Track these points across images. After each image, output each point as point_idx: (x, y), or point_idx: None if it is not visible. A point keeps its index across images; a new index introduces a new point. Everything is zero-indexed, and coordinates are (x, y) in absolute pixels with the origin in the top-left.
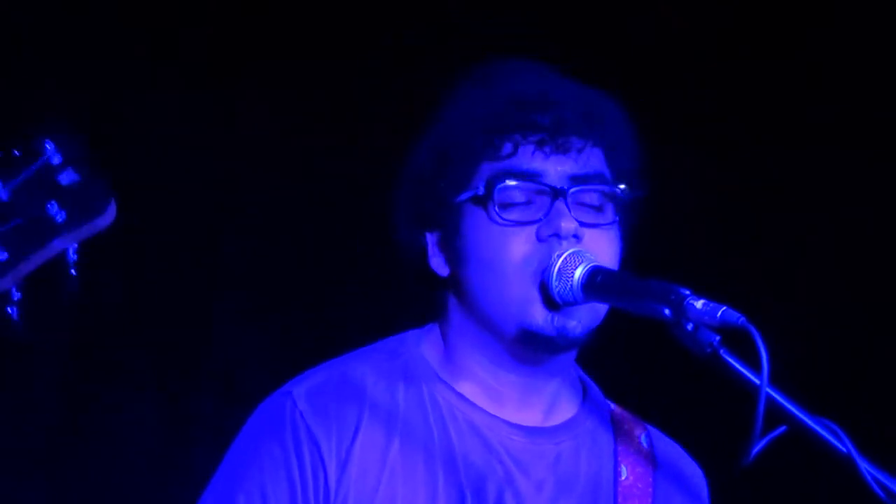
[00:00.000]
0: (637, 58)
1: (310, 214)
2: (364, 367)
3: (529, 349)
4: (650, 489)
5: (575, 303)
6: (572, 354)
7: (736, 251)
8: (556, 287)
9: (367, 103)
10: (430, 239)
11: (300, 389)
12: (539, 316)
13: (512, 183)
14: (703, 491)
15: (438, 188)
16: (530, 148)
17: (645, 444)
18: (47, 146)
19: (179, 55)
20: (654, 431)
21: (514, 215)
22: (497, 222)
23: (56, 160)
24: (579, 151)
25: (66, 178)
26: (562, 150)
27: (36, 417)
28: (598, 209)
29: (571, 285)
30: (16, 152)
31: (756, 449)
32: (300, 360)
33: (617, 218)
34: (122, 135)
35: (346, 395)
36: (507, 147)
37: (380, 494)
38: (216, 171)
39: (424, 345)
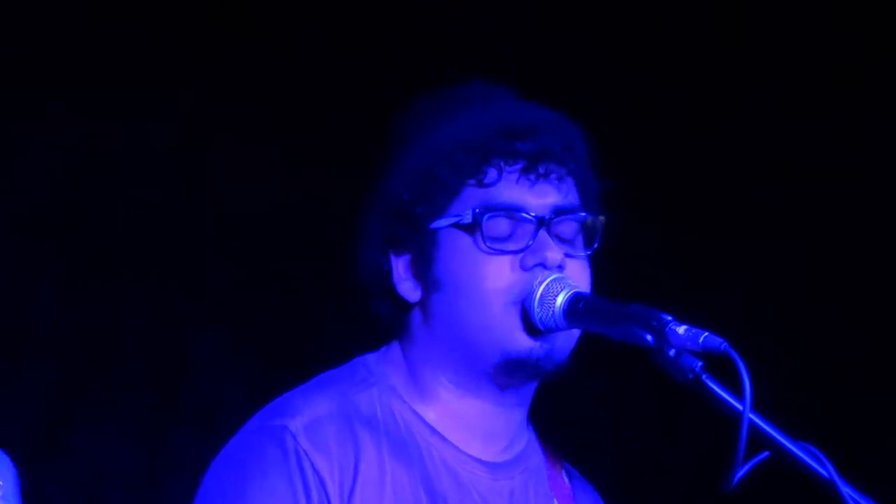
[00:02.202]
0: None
1: (291, 245)
2: (343, 401)
3: (512, 376)
4: None
5: (557, 329)
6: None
7: (710, 278)
8: (539, 314)
9: (352, 134)
10: (397, 262)
11: (296, 424)
12: (523, 343)
13: (500, 214)
14: None
15: (413, 212)
16: (514, 175)
17: (567, 481)
18: None
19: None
20: (571, 469)
21: (499, 244)
22: (483, 251)
23: None
24: (559, 180)
25: None
26: (543, 178)
27: (12, 451)
28: (571, 241)
29: (553, 312)
30: None
31: (739, 475)
32: (280, 392)
33: (592, 248)
34: (104, 169)
35: (340, 432)
36: (492, 174)
37: None
38: (196, 202)
39: (387, 370)
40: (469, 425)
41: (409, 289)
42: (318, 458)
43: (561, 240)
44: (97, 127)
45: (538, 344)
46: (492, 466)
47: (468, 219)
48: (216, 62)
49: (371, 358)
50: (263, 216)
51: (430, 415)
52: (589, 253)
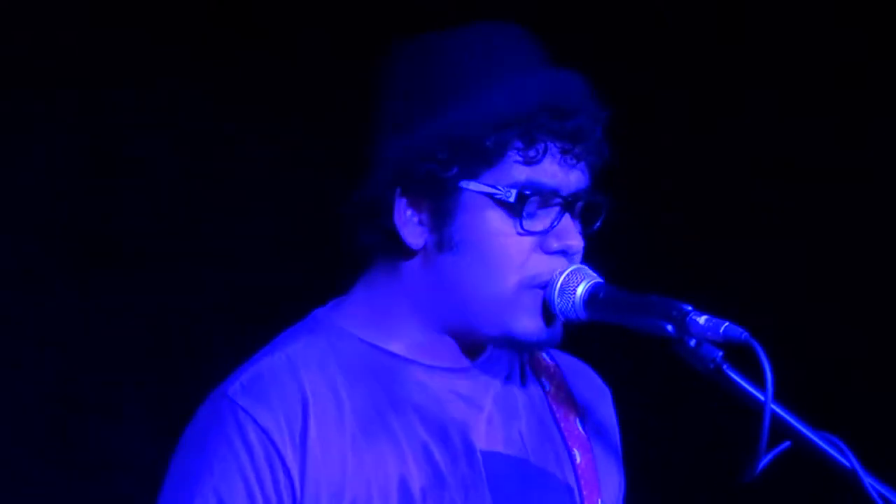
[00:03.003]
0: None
1: (293, 245)
2: (289, 351)
3: (502, 348)
4: (571, 398)
5: (577, 319)
6: None
7: (710, 278)
8: (559, 303)
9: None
10: (405, 202)
11: (234, 387)
12: (533, 326)
13: (540, 196)
14: (609, 398)
15: (447, 168)
16: (557, 156)
17: (550, 361)
18: None
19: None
20: (555, 358)
21: (529, 224)
22: (517, 230)
23: None
24: (585, 163)
25: None
26: (576, 159)
27: (23, 451)
28: (580, 219)
29: (573, 302)
30: None
31: (761, 464)
32: None
33: (593, 229)
34: (112, 171)
35: (282, 381)
36: (538, 150)
37: (349, 467)
38: (198, 200)
39: (341, 317)
40: (438, 351)
41: (413, 233)
42: (259, 410)
43: (573, 218)
44: (99, 126)
45: (546, 330)
46: (467, 370)
47: (511, 197)
48: (216, 62)
49: (321, 310)
50: (265, 215)
51: (394, 346)
52: (589, 233)
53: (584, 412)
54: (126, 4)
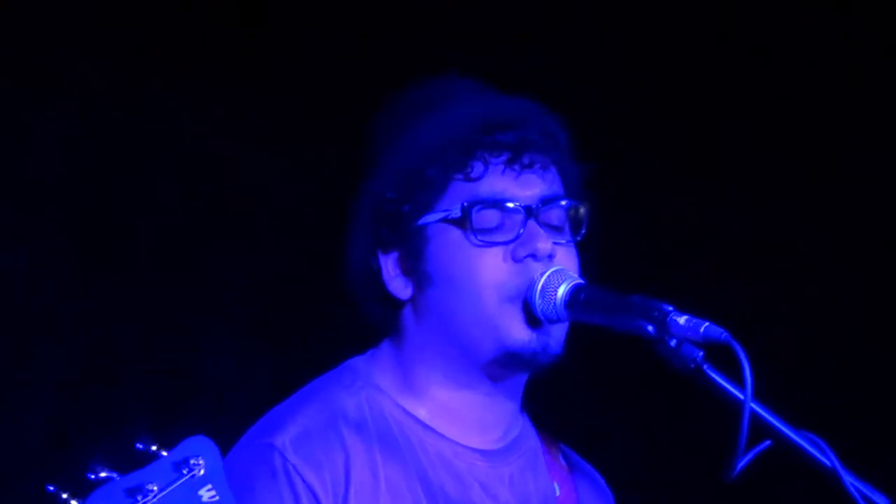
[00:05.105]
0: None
1: (295, 244)
2: (331, 408)
3: (506, 368)
4: (578, 501)
5: (558, 320)
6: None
7: (710, 278)
8: (540, 305)
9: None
10: (386, 260)
11: (283, 440)
12: (522, 334)
13: (488, 206)
14: (611, 500)
15: (400, 210)
16: (500, 168)
17: (563, 462)
18: (197, 461)
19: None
20: (566, 449)
21: (488, 236)
22: (473, 244)
23: (201, 474)
24: (544, 169)
25: (207, 493)
26: (528, 168)
27: (24, 451)
28: (559, 228)
29: (555, 303)
30: (167, 456)
31: (741, 464)
32: (294, 388)
33: (579, 234)
34: (120, 162)
35: (329, 440)
36: (478, 167)
37: None
38: (203, 200)
39: (376, 372)
40: (463, 418)
41: (399, 286)
42: (308, 471)
43: (550, 227)
44: (102, 126)
45: (535, 336)
46: (489, 454)
47: (457, 213)
48: (216, 62)
49: (358, 361)
50: (267, 214)
51: (422, 412)
52: (577, 239)
53: None
54: (126, 4)
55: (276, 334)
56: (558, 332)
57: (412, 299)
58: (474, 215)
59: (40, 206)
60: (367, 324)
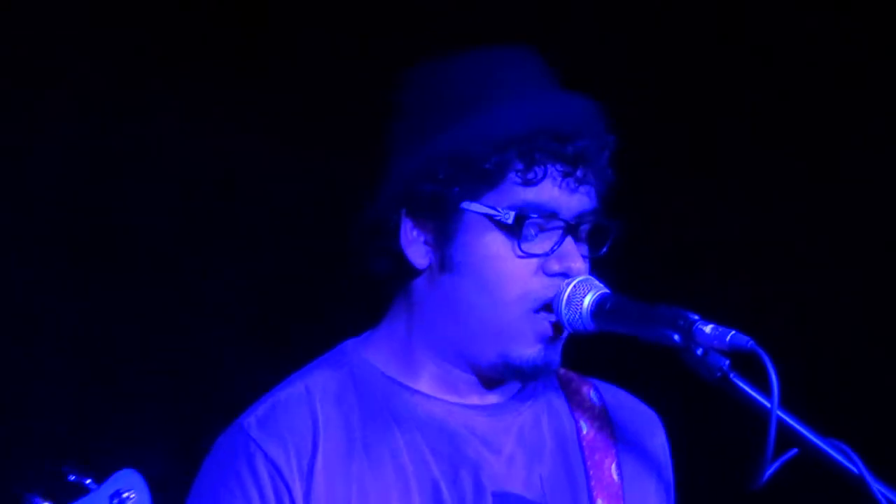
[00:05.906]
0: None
1: (296, 244)
2: (308, 383)
3: (503, 376)
4: (612, 440)
5: (584, 330)
6: None
7: (711, 279)
8: (566, 314)
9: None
10: (409, 223)
11: (250, 419)
12: (530, 351)
13: (539, 218)
14: (660, 432)
15: (448, 188)
16: (556, 178)
17: (596, 400)
18: (129, 494)
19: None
20: (601, 384)
21: (530, 247)
22: (516, 254)
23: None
24: (588, 184)
25: None
26: (578, 182)
27: (24, 451)
28: (585, 241)
29: (581, 313)
30: (99, 489)
31: (768, 472)
32: None
33: (601, 252)
34: (121, 167)
35: (296, 413)
36: (537, 173)
37: (353, 501)
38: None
39: (368, 350)
40: (460, 387)
41: (418, 253)
42: (269, 443)
43: (582, 244)
44: (102, 126)
45: (543, 353)
46: (490, 408)
47: (508, 219)
48: (216, 62)
49: (351, 342)
50: (269, 213)
51: (419, 384)
52: (597, 256)
53: (624, 456)
54: (126, 4)
55: (276, 334)
56: (560, 346)
57: (428, 271)
58: (526, 227)
59: (40, 206)
60: (373, 286)
